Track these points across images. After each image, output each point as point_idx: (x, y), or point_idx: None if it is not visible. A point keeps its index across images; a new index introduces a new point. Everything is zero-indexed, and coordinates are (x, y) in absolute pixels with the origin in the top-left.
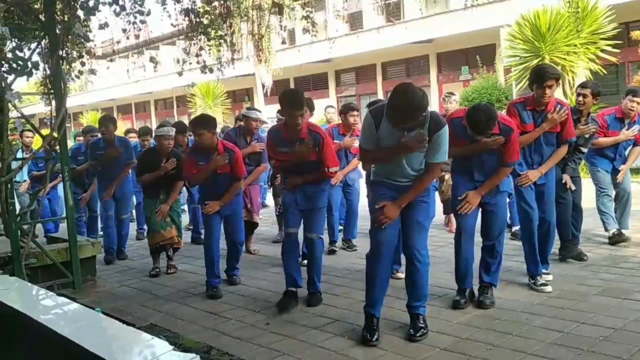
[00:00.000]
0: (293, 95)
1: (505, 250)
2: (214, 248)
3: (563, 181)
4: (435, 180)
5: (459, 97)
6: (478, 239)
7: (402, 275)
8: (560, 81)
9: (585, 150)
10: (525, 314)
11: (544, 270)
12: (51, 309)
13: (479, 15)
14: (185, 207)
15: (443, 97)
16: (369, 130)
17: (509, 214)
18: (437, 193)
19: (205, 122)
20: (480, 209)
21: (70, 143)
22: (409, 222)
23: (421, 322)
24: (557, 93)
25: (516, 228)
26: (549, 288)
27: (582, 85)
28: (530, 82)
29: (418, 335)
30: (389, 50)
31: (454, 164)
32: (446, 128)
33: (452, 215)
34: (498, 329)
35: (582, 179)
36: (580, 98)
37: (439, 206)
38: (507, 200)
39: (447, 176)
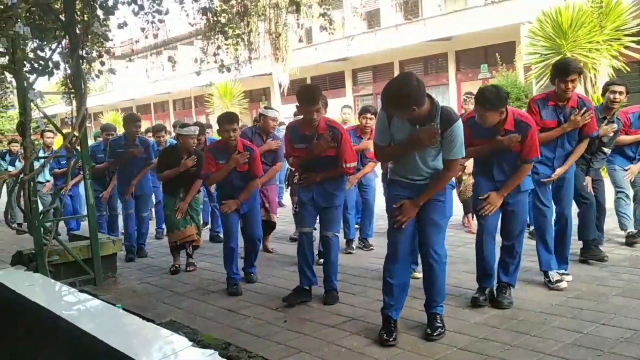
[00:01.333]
0: (308, 90)
1: (524, 251)
2: (233, 246)
3: (585, 183)
4: (452, 179)
5: None
6: (498, 238)
7: (419, 275)
8: (582, 78)
9: (608, 150)
10: (544, 315)
11: (562, 271)
12: (73, 304)
13: (498, 12)
14: (203, 205)
15: (463, 97)
16: (382, 125)
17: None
18: (454, 192)
19: (235, 118)
20: (501, 209)
21: (91, 142)
22: (424, 221)
23: (438, 321)
24: (578, 91)
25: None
26: (564, 284)
27: (617, 83)
28: (552, 76)
29: (435, 334)
30: (407, 48)
31: (474, 164)
32: (459, 123)
33: (469, 215)
34: (516, 329)
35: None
36: (616, 96)
37: (457, 205)
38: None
39: (465, 176)
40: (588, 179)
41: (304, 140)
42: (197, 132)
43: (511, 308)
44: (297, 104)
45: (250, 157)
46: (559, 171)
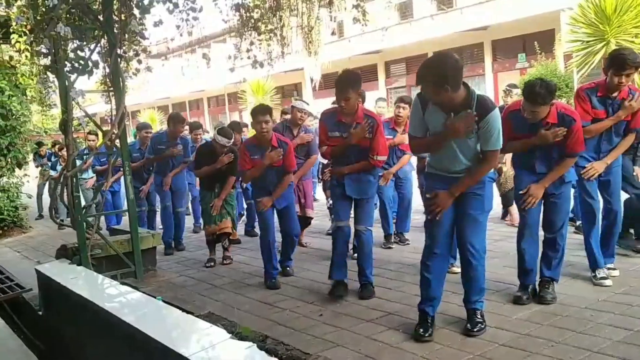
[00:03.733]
0: (340, 78)
1: (568, 245)
2: (270, 242)
3: (634, 173)
4: (492, 171)
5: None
6: (540, 232)
7: (457, 269)
8: None
9: None
10: (590, 311)
11: (609, 265)
12: (115, 297)
13: (536, 0)
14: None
15: (504, 89)
16: (416, 114)
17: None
18: (494, 185)
19: (268, 108)
20: (543, 201)
21: (130, 139)
22: (462, 216)
23: (479, 317)
24: None
25: (580, 222)
26: (608, 282)
27: None
28: (606, 67)
29: (475, 330)
30: (441, 39)
31: (515, 156)
32: (496, 112)
33: (511, 208)
34: (560, 326)
35: None
36: None
37: (497, 199)
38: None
39: (505, 168)
40: (637, 169)
41: (339, 129)
42: (230, 143)
43: (555, 303)
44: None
45: (284, 152)
46: (601, 165)
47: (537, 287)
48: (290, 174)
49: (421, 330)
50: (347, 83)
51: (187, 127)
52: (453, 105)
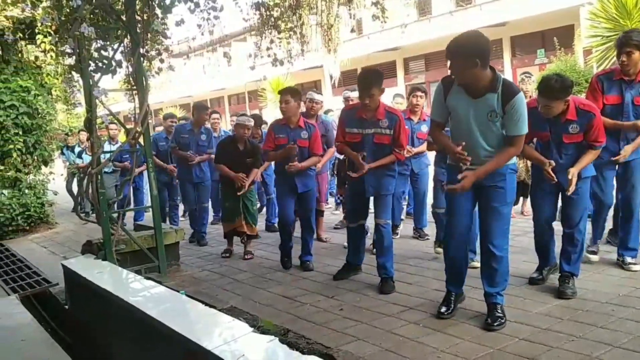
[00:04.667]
0: (363, 75)
1: (586, 239)
2: (288, 227)
3: None
4: (514, 161)
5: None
6: (559, 226)
7: (477, 264)
8: None
9: None
10: (611, 305)
11: (629, 260)
12: (139, 291)
13: None
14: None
15: (521, 77)
16: (438, 99)
17: None
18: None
19: (293, 90)
20: (561, 196)
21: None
22: (484, 209)
23: (499, 311)
24: None
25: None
26: (637, 267)
27: None
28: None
29: (495, 324)
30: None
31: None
32: (521, 96)
33: (522, 198)
34: (581, 320)
35: None
36: None
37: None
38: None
39: (517, 159)
40: None
41: (359, 125)
42: (251, 123)
43: (575, 298)
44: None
45: (310, 135)
46: (629, 149)
47: (555, 268)
48: (317, 157)
49: (444, 306)
50: (370, 80)
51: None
52: (478, 87)
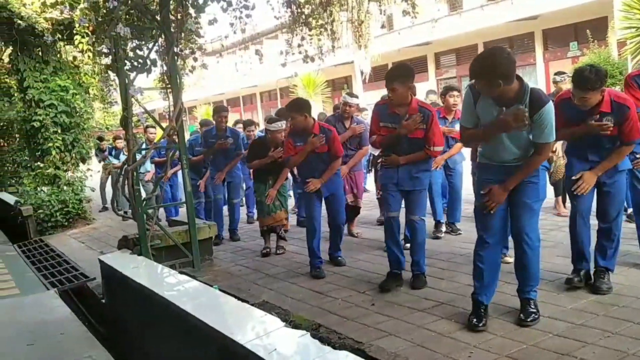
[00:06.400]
0: (389, 70)
1: (623, 234)
2: (315, 229)
3: None
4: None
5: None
6: (594, 221)
7: (510, 259)
8: None
9: None
10: None
11: None
12: (174, 285)
13: None
14: (291, 192)
15: (561, 78)
16: (468, 105)
17: None
18: (547, 174)
19: (297, 106)
20: (596, 190)
21: (187, 135)
22: (516, 204)
23: (532, 306)
24: None
25: (632, 210)
26: None
27: None
28: None
29: (529, 320)
30: (492, 29)
31: (567, 145)
32: (549, 106)
33: (559, 198)
34: (616, 316)
35: None
36: None
37: (549, 188)
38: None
39: (556, 157)
40: None
41: (391, 119)
42: (284, 127)
43: (611, 294)
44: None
45: (328, 139)
46: None
47: (591, 275)
48: (338, 159)
49: (475, 319)
50: (391, 75)
51: (240, 125)
52: (506, 98)
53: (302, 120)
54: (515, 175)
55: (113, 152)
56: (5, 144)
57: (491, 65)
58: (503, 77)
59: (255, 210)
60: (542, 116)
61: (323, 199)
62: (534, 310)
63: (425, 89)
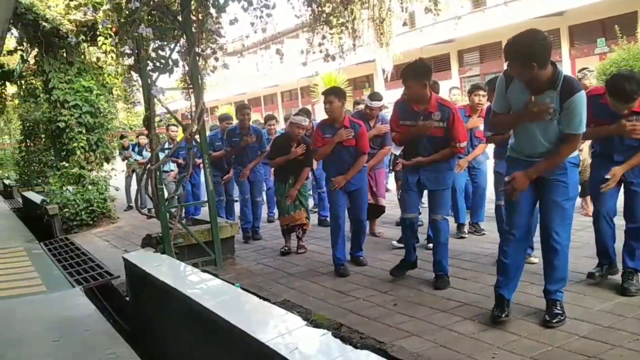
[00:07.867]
0: (404, 68)
1: None
2: (340, 225)
3: None
4: (576, 155)
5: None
6: (621, 221)
7: (535, 259)
8: None
9: None
10: None
11: None
12: (196, 284)
13: None
14: (311, 191)
15: (582, 73)
16: (500, 90)
17: None
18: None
19: (337, 91)
20: (624, 190)
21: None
22: (545, 203)
23: (558, 308)
24: None
25: None
26: None
27: None
28: None
29: (554, 321)
30: (516, 26)
31: (593, 144)
32: (582, 94)
33: (588, 198)
34: None
35: None
36: None
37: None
38: None
39: (583, 157)
40: None
41: (411, 117)
42: (306, 122)
43: (639, 295)
44: None
45: (357, 133)
46: None
47: (616, 264)
48: (364, 155)
49: (497, 311)
50: (406, 72)
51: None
52: (538, 83)
53: (339, 107)
54: (541, 164)
55: (136, 149)
56: (32, 144)
57: (526, 46)
58: (537, 59)
59: (275, 211)
60: (573, 104)
61: (347, 194)
62: (560, 312)
63: (448, 87)
